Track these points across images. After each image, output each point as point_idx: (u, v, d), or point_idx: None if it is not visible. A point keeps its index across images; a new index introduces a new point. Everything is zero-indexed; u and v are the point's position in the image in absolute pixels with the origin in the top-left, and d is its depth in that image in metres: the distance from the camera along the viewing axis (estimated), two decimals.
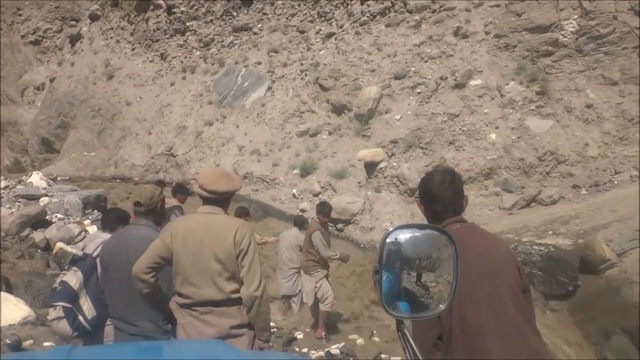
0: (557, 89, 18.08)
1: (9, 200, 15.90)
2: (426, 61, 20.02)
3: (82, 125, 28.06)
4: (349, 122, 19.77)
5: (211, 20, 27.29)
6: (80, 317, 5.00)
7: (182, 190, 10.43)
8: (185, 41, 27.96)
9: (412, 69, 19.95)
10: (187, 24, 27.79)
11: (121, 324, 4.77)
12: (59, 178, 23.62)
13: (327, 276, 9.66)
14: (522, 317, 2.79)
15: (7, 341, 7.11)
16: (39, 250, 13.35)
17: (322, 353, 8.81)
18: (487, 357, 2.64)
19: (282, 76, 23.35)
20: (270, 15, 25.81)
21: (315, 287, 9.64)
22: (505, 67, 19.00)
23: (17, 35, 34.27)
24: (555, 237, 13.53)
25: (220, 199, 4.40)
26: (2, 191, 16.57)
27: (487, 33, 19.81)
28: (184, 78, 26.74)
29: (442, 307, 2.07)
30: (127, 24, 30.35)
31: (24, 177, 19.44)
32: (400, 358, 8.51)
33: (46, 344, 7.55)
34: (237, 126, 22.47)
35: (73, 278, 5.04)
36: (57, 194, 16.87)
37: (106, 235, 5.52)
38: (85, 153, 26.80)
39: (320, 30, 23.89)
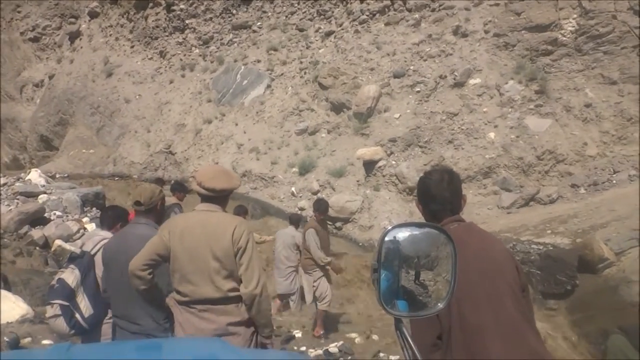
0: (556, 88, 18.09)
1: (8, 197, 15.89)
2: (425, 60, 20.03)
3: (81, 122, 28.05)
4: (348, 121, 19.77)
5: (210, 18, 27.27)
6: (77, 315, 5.01)
7: (180, 188, 10.45)
8: (184, 39, 27.94)
9: (411, 67, 19.96)
10: (187, 21, 27.77)
11: (123, 323, 4.76)
12: (57, 175, 23.63)
13: (326, 274, 9.62)
14: (521, 316, 2.79)
15: (6, 339, 7.11)
16: (37, 248, 13.35)
17: (320, 352, 8.81)
18: (486, 356, 2.64)
19: (281, 74, 23.35)
20: (269, 13, 25.80)
21: (313, 285, 9.63)
22: (504, 66, 19.00)
23: (16, 32, 34.22)
24: (554, 236, 13.53)
25: (218, 197, 4.39)
26: (1, 188, 16.56)
27: (486, 32, 19.82)
28: (183, 76, 26.72)
29: (440, 305, 2.06)
30: (127, 21, 30.33)
31: (22, 174, 19.44)
32: (398, 357, 8.51)
33: (44, 341, 7.55)
34: (236, 124, 22.48)
35: (70, 276, 5.04)
36: (56, 192, 16.86)
37: (104, 233, 5.52)
38: (84, 150, 26.79)
39: (320, 28, 23.89)
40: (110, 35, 30.83)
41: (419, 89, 19.28)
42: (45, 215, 15.00)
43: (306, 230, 9.57)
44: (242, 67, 24.64)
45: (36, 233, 13.73)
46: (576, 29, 18.23)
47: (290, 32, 24.77)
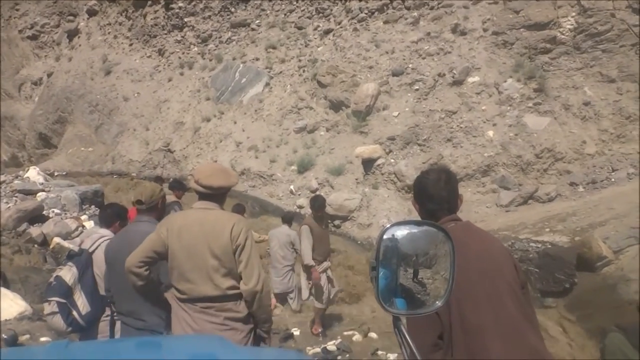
0: (555, 86, 18.10)
1: (6, 195, 15.86)
2: (424, 58, 20.04)
3: (80, 120, 28.06)
4: (347, 119, 19.78)
5: (209, 16, 27.27)
6: (75, 313, 5.01)
7: (179, 186, 10.44)
8: (183, 37, 27.95)
9: (410, 65, 19.96)
10: (185, 19, 27.78)
11: (128, 319, 4.79)
12: (56, 173, 23.63)
13: (325, 271, 9.56)
14: (522, 316, 2.78)
15: (4, 336, 7.10)
16: (35, 245, 13.32)
17: (318, 349, 8.81)
18: (487, 356, 2.64)
19: (280, 72, 23.36)
20: (268, 12, 25.80)
21: (310, 283, 9.61)
22: (503, 64, 19.00)
23: (14, 30, 34.22)
24: (552, 235, 13.54)
25: (216, 194, 4.38)
26: (0, 186, 16.54)
27: (485, 30, 19.82)
28: (181, 74, 26.74)
29: (438, 303, 2.06)
30: (125, 19, 30.33)
31: (21, 172, 19.40)
32: (396, 354, 8.52)
33: (43, 339, 7.55)
34: (235, 122, 22.48)
35: (68, 273, 5.04)
36: (54, 189, 16.83)
37: (103, 231, 5.52)
38: (82, 148, 26.80)
39: (318, 26, 23.89)
40: (109, 33, 30.84)
41: (417, 87, 19.29)
42: (44, 213, 14.96)
43: (301, 227, 9.56)
44: (241, 65, 24.64)
45: (35, 231, 13.70)
46: (575, 27, 18.24)
47: (288, 30, 24.77)
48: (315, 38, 23.71)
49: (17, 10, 34.40)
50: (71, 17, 32.74)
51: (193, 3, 27.60)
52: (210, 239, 4.13)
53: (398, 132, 18.36)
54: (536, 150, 16.92)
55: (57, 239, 13.30)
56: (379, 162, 18.00)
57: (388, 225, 2.08)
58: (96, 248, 5.21)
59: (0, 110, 32.98)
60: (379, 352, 8.85)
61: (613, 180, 15.91)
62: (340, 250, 14.85)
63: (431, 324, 2.69)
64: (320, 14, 24.13)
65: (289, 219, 11.31)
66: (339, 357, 8.57)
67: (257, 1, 26.08)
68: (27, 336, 7.71)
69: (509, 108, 17.97)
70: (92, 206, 16.55)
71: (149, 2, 28.90)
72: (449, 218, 3.06)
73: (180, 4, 27.77)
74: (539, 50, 18.72)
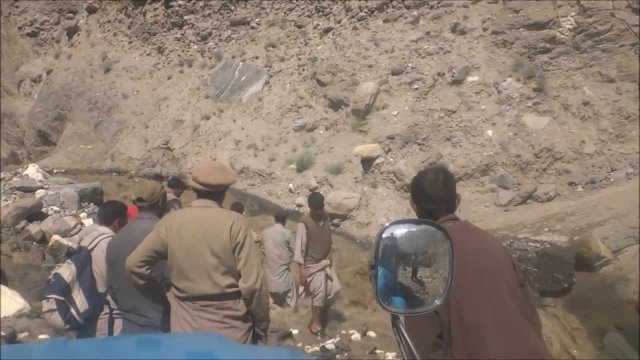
0: (554, 86, 18.10)
1: (5, 192, 15.86)
2: (423, 57, 20.03)
3: (79, 118, 28.06)
4: (346, 118, 19.78)
5: (209, 14, 27.26)
6: (73, 310, 5.01)
7: (178, 184, 10.43)
8: (182, 35, 27.94)
9: (410, 64, 19.96)
10: (185, 17, 27.77)
11: (131, 316, 4.83)
12: (55, 171, 23.59)
13: (323, 270, 9.52)
14: (522, 315, 2.78)
15: (2, 333, 7.11)
16: (34, 243, 13.31)
17: (317, 348, 8.82)
18: (486, 356, 2.64)
19: (280, 71, 23.35)
20: (268, 10, 25.79)
21: (307, 280, 9.59)
22: (502, 63, 19.00)
23: (14, 27, 34.22)
24: (551, 234, 13.55)
25: (214, 192, 4.38)
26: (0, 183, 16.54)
27: (484, 29, 19.82)
28: (181, 72, 26.73)
29: (437, 302, 2.06)
30: (125, 16, 30.33)
31: (20, 169, 19.40)
32: (395, 353, 8.53)
33: (41, 336, 7.55)
34: (234, 120, 22.48)
35: (66, 271, 5.04)
36: (53, 187, 16.83)
37: (103, 229, 5.53)
38: (81, 146, 26.80)
39: (318, 25, 23.88)
40: (109, 30, 30.83)
41: (417, 86, 19.29)
42: (43, 210, 14.97)
43: (297, 224, 9.56)
44: (241, 63, 24.63)
45: (33, 228, 13.70)
46: (574, 26, 18.24)
47: (288, 28, 24.77)
48: (314, 37, 23.70)
49: (17, 7, 34.40)
50: (71, 15, 32.74)
51: (193, 1, 27.60)
52: (209, 237, 4.13)
53: (397, 131, 18.36)
54: (535, 150, 16.93)
55: (55, 237, 13.31)
56: (378, 161, 18.00)
57: (387, 224, 2.08)
58: (95, 246, 5.22)
59: (0, 107, 32.97)
60: (378, 351, 8.85)
61: (612, 180, 15.92)
62: (339, 248, 14.86)
63: (430, 323, 2.69)
64: (320, 13, 24.13)
65: (282, 217, 11.31)
66: (338, 356, 8.57)
67: None
68: (26, 334, 7.71)
69: (508, 107, 17.97)
70: (91, 204, 16.57)
71: (149, 0, 28.88)
72: (447, 218, 3.06)
73: (180, 2, 27.76)
74: (539, 50, 18.72)
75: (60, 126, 29.07)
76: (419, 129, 18.20)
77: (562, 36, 18.42)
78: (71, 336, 5.08)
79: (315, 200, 9.40)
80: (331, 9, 23.82)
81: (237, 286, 4.20)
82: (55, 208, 15.34)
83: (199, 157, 21.79)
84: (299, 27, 24.44)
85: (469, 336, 2.68)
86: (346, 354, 8.65)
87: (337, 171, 18.09)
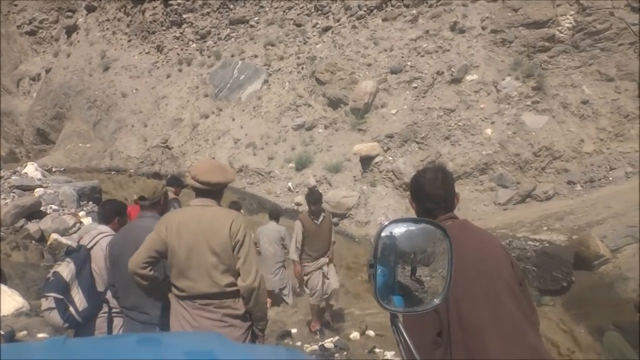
0: (553, 84, 18.11)
1: (4, 191, 15.86)
2: (422, 56, 20.04)
3: (78, 116, 28.05)
4: (345, 116, 19.77)
5: (208, 13, 27.26)
6: (71, 309, 5.01)
7: (176, 183, 10.41)
8: (181, 33, 27.95)
9: (409, 63, 19.96)
10: (184, 16, 27.78)
11: (133, 314, 4.85)
12: (54, 169, 23.61)
13: (320, 268, 9.48)
14: (521, 315, 2.78)
15: (1, 332, 7.11)
16: (33, 242, 13.32)
17: (316, 347, 8.82)
18: (485, 355, 2.63)
19: (279, 69, 23.34)
20: (267, 8, 25.79)
21: (304, 278, 9.58)
22: (501, 62, 19.01)
23: (12, 26, 34.21)
24: (550, 233, 13.56)
25: (213, 191, 4.38)
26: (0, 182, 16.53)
27: (483, 28, 19.82)
28: (180, 70, 26.73)
29: (436, 301, 2.06)
30: (124, 15, 30.32)
31: (19, 167, 19.40)
32: (394, 352, 8.53)
33: (40, 335, 7.55)
34: (233, 119, 22.47)
35: (65, 269, 5.05)
36: (52, 185, 16.83)
37: (102, 227, 5.53)
38: (80, 144, 26.80)
39: (317, 23, 23.88)
40: (108, 29, 30.82)
41: (416, 85, 19.29)
42: (42, 209, 14.97)
43: (295, 222, 9.55)
44: (239, 62, 24.62)
45: (32, 227, 13.71)
46: (573, 25, 18.24)
47: (287, 27, 24.76)
48: (313, 35, 23.69)
49: (16, 5, 34.39)
50: (70, 13, 32.73)
51: None
52: (209, 236, 4.14)
53: (396, 129, 18.36)
54: (534, 149, 16.94)
55: (54, 235, 13.32)
56: (377, 159, 18.00)
57: (386, 223, 2.08)
58: (94, 244, 5.23)
59: (0, 106, 32.96)
60: (377, 350, 8.85)
61: (611, 179, 15.93)
62: (338, 247, 14.86)
63: (430, 321, 2.69)
64: (319, 11, 24.13)
65: (276, 215, 11.28)
66: (337, 355, 8.57)
67: None
68: (25, 332, 7.71)
69: (507, 106, 17.97)
70: (90, 202, 16.58)
71: None
72: (446, 216, 3.07)
73: (179, 1, 27.77)
74: (538, 49, 18.72)
75: (59, 125, 29.07)
76: (418, 128, 18.20)
77: (561, 35, 18.43)
78: (70, 335, 5.09)
79: (313, 197, 9.35)
80: (330, 7, 23.83)
81: (237, 285, 4.20)
82: (54, 207, 15.34)
83: (197, 156, 21.78)
84: (298, 25, 24.44)
85: (468, 335, 2.68)
86: (345, 353, 8.66)
87: (336, 170, 18.08)
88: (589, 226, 13.30)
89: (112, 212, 5.67)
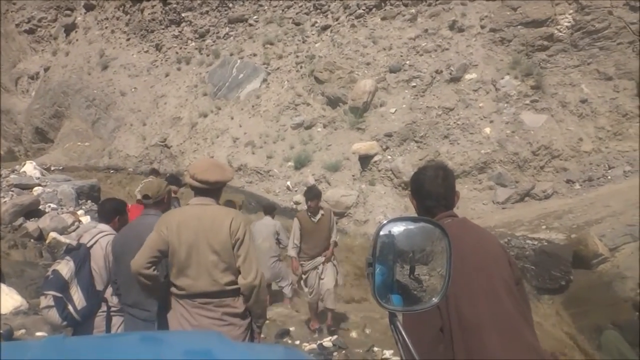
0: (552, 83, 18.12)
1: (2, 189, 15.85)
2: (421, 55, 20.04)
3: (76, 115, 28.04)
4: (344, 115, 19.77)
5: (207, 12, 27.24)
6: (70, 307, 5.01)
7: (174, 182, 10.42)
8: (180, 32, 27.92)
9: (408, 62, 19.97)
10: (183, 14, 27.74)
11: (134, 311, 4.86)
12: (52, 168, 23.63)
13: (316, 268, 9.42)
14: (518, 313, 2.78)
15: (0, 331, 7.10)
16: (32, 240, 13.31)
17: (314, 346, 8.82)
18: (484, 352, 2.64)
19: (278, 68, 23.32)
20: (265, 7, 25.76)
21: (302, 277, 9.57)
22: (500, 61, 19.02)
23: (11, 24, 34.16)
24: (549, 232, 13.56)
25: (212, 189, 4.39)
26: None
27: (482, 27, 19.83)
28: (178, 69, 26.71)
29: (434, 300, 2.06)
30: (122, 14, 30.30)
31: (17, 166, 19.38)
32: (392, 351, 8.54)
33: (38, 333, 7.54)
34: (232, 118, 22.46)
35: (65, 267, 5.05)
36: (51, 184, 16.81)
37: (103, 226, 5.52)
38: (79, 143, 26.79)
39: (316, 22, 23.87)
40: (106, 27, 30.79)
41: (415, 84, 19.30)
42: (40, 207, 14.95)
43: (294, 219, 9.56)
44: (238, 60, 24.61)
45: (31, 225, 13.69)
46: (572, 24, 18.25)
47: (286, 26, 24.74)
48: (312, 34, 23.68)
49: (14, 4, 34.33)
50: (68, 12, 32.68)
51: None
52: (209, 235, 4.15)
53: (395, 128, 18.37)
54: (533, 148, 16.95)
55: (53, 234, 13.30)
56: (375, 158, 18.02)
57: (385, 222, 2.08)
58: (94, 243, 5.23)
59: (0, 104, 32.93)
60: (375, 349, 8.86)
61: (609, 177, 15.95)
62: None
63: (432, 317, 2.69)
64: (318, 10, 24.12)
65: (270, 210, 11.38)
66: (335, 354, 8.58)
67: None
68: (23, 331, 7.71)
69: (506, 105, 17.98)
70: (89, 201, 16.57)
71: None
72: (446, 214, 3.07)
73: None
74: (536, 48, 18.74)
75: (58, 123, 29.06)
76: (417, 127, 18.21)
77: (560, 34, 18.44)
78: (68, 333, 5.09)
79: (311, 193, 9.32)
80: (329, 6, 23.81)
81: (237, 283, 4.22)
82: (52, 205, 15.32)
83: (196, 155, 21.77)
84: (297, 24, 24.43)
85: (468, 333, 2.68)
86: (344, 351, 8.66)
87: (335, 169, 18.07)
88: (588, 225, 13.30)
89: (112, 211, 5.66)
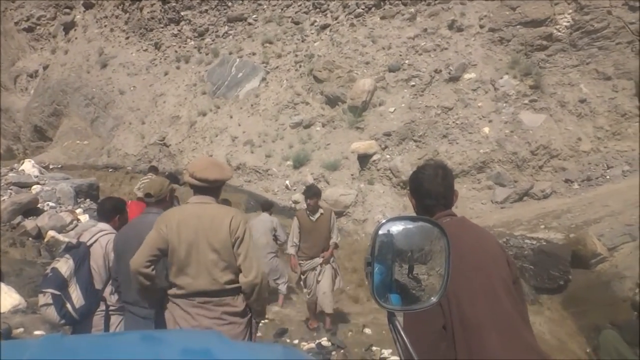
0: (551, 83, 18.13)
1: (1, 187, 15.83)
2: (420, 54, 20.04)
3: (75, 113, 28.03)
4: (343, 114, 19.76)
5: (206, 10, 27.22)
6: (68, 305, 5.02)
7: (173, 180, 10.42)
8: (179, 31, 27.90)
9: (407, 61, 19.97)
10: (182, 13, 27.72)
11: (135, 309, 4.86)
12: (51, 166, 23.60)
13: (313, 269, 9.42)
14: (517, 313, 2.79)
15: None
16: (30, 239, 13.29)
17: (313, 345, 8.82)
18: (483, 351, 2.64)
19: (277, 67, 23.31)
20: (265, 6, 25.75)
21: (301, 277, 9.58)
22: (499, 60, 19.03)
23: (10, 22, 34.11)
24: (547, 231, 13.56)
25: (211, 188, 4.40)
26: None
27: (481, 27, 19.84)
28: (177, 68, 26.70)
29: (433, 299, 2.06)
30: (122, 12, 30.27)
31: (16, 164, 19.37)
32: (391, 350, 8.54)
33: (37, 332, 7.54)
34: (231, 117, 22.45)
35: (64, 265, 5.05)
36: (49, 182, 16.79)
37: (103, 225, 5.53)
38: (78, 141, 26.78)
39: (315, 21, 23.85)
40: (105, 26, 30.76)
41: (414, 83, 19.29)
42: (39, 206, 14.93)
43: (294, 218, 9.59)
44: (237, 59, 24.60)
45: (29, 224, 13.67)
46: (571, 24, 18.26)
47: (285, 25, 24.73)
48: (312, 33, 23.67)
49: (13, 2, 34.29)
50: (67, 10, 32.63)
51: None
52: (209, 233, 4.15)
53: (394, 128, 18.36)
54: (532, 147, 16.96)
55: (51, 232, 13.29)
56: (374, 157, 18.02)
57: (383, 221, 2.08)
58: (94, 242, 5.24)
59: (0, 103, 32.90)
60: (374, 348, 8.87)
61: (608, 177, 15.96)
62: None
63: (435, 315, 2.69)
64: (317, 9, 24.11)
65: (268, 206, 11.52)
66: (334, 353, 8.58)
67: None
68: (21, 329, 7.71)
69: (504, 105, 17.99)
70: (87, 199, 16.56)
71: None
72: (445, 213, 3.07)
73: None
74: (535, 47, 18.75)
75: (57, 122, 29.05)
76: (416, 126, 18.21)
77: (559, 33, 18.45)
78: (66, 332, 5.09)
79: (310, 191, 9.32)
80: (328, 5, 23.80)
81: (236, 282, 4.22)
82: (51, 204, 15.30)
83: (195, 154, 21.76)
84: (296, 23, 24.41)
85: (469, 332, 2.68)
86: (342, 350, 8.66)
87: (334, 168, 18.07)
88: (586, 224, 13.31)
89: (111, 210, 5.67)
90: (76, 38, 31.56)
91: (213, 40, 26.70)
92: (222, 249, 4.14)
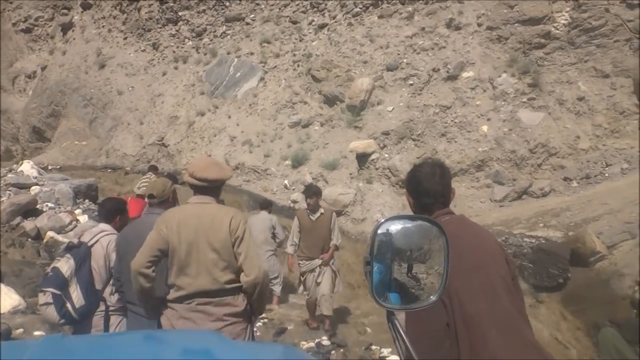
0: (549, 81, 18.12)
1: (0, 188, 15.83)
2: (418, 53, 20.03)
3: (74, 114, 28.01)
4: (341, 114, 19.76)
5: (204, 10, 27.20)
6: (68, 305, 5.02)
7: (172, 180, 10.43)
8: (177, 31, 27.87)
9: (405, 60, 19.96)
10: (180, 13, 27.70)
11: (137, 308, 4.83)
12: (50, 167, 23.59)
13: (312, 270, 9.41)
14: (517, 311, 2.79)
15: None
16: (29, 239, 13.30)
17: (312, 344, 8.83)
18: (485, 348, 2.64)
19: (275, 67, 23.30)
20: (262, 6, 25.73)
21: (300, 277, 9.58)
22: (497, 59, 19.02)
23: (8, 23, 34.08)
24: (546, 230, 13.57)
25: (211, 188, 4.40)
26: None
27: (479, 25, 19.83)
28: (176, 68, 26.68)
29: (433, 298, 2.06)
30: (119, 12, 30.24)
31: (14, 165, 19.37)
32: (390, 349, 8.54)
33: (36, 332, 7.55)
34: (229, 117, 22.44)
35: (65, 265, 5.06)
36: (48, 183, 16.79)
37: (104, 226, 5.55)
38: (76, 142, 26.76)
39: (313, 21, 23.84)
40: (103, 26, 30.73)
41: (412, 82, 19.28)
42: (38, 206, 14.93)
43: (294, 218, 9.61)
44: (235, 59, 24.59)
45: (28, 224, 13.67)
46: (569, 22, 18.26)
47: (283, 24, 24.72)
48: (309, 32, 23.66)
49: (11, 3, 34.25)
50: (65, 11, 32.60)
51: None
52: (209, 233, 4.16)
53: (392, 126, 18.36)
54: (530, 145, 16.96)
55: (50, 233, 13.29)
56: (373, 156, 18.01)
57: (382, 220, 2.09)
58: (95, 242, 5.25)
59: (0, 103, 32.88)
60: (373, 347, 8.87)
61: (607, 175, 15.95)
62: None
63: (438, 313, 2.69)
64: (315, 9, 24.10)
65: (266, 205, 11.57)
66: (333, 352, 8.58)
67: None
68: (21, 330, 7.71)
69: (503, 103, 17.98)
70: (86, 200, 16.55)
71: None
72: (443, 212, 3.08)
73: None
74: (533, 45, 18.74)
75: (55, 122, 29.02)
76: (414, 125, 18.20)
77: (557, 31, 18.45)
78: (66, 332, 5.10)
79: (310, 191, 9.34)
80: (326, 4, 23.79)
81: (236, 282, 4.22)
82: (50, 204, 15.30)
83: (194, 154, 21.75)
84: (294, 23, 24.40)
85: (471, 330, 2.69)
86: (342, 350, 8.66)
87: (332, 167, 18.07)
88: (585, 223, 13.32)
89: (112, 211, 5.69)
90: (74, 39, 31.53)
91: (211, 40, 26.68)
92: (222, 249, 4.14)
